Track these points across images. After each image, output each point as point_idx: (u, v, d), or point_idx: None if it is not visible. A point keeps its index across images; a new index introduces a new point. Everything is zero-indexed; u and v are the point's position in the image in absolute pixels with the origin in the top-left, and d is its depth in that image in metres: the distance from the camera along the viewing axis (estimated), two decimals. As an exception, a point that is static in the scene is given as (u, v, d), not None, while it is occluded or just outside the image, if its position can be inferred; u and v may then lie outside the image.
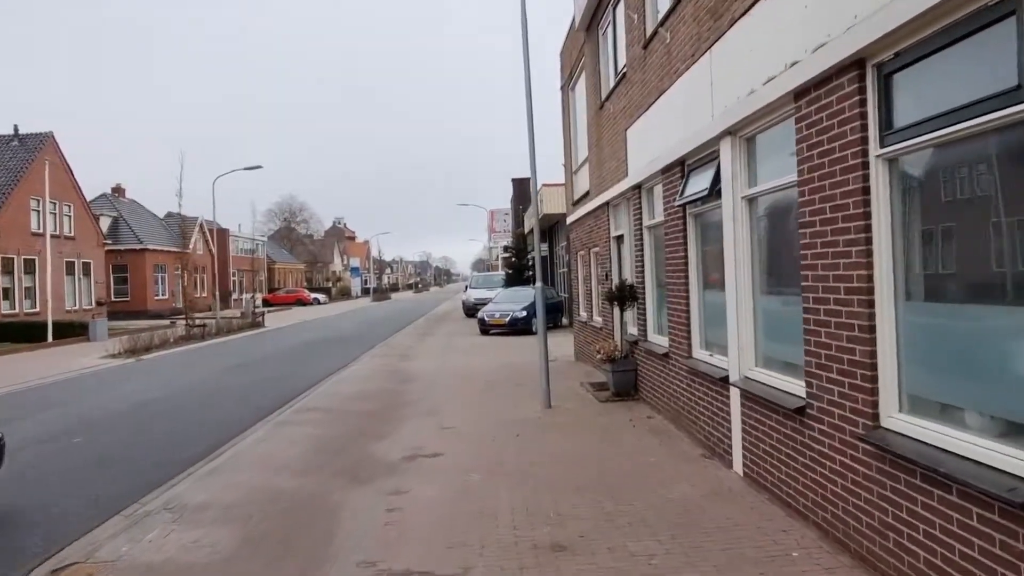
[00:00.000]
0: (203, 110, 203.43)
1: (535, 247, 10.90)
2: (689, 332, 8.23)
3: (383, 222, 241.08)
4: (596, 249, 14.53)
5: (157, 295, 50.33)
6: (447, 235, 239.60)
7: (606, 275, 13.25)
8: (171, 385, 15.74)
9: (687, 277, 8.25)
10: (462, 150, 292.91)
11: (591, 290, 15.40)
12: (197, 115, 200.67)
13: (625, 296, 10.83)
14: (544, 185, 29.90)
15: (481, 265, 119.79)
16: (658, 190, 9.56)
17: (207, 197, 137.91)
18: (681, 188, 8.10)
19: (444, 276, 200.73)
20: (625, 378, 10.96)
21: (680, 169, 8.27)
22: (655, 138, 9.28)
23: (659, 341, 9.77)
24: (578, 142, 16.26)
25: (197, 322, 29.73)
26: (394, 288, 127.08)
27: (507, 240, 53.57)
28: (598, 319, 14.59)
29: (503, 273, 40.17)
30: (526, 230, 40.67)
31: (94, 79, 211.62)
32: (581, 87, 15.10)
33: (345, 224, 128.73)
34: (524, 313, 26.29)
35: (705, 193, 7.10)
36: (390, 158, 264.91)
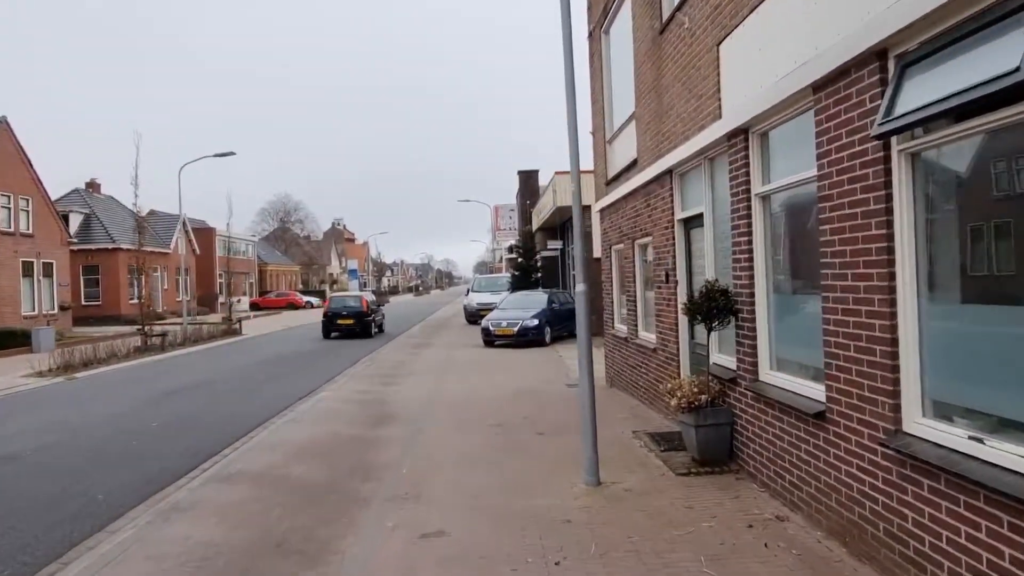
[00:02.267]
0: (202, 115, 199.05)
1: (574, 227, 6.72)
2: (894, 381, 4.26)
3: (384, 224, 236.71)
4: (645, 240, 10.56)
5: (132, 298, 46.24)
6: (449, 238, 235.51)
7: (665, 275, 9.28)
8: (72, 422, 11.74)
9: (891, 274, 4.29)
10: (463, 144, 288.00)
11: (634, 296, 11.42)
12: (195, 122, 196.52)
13: (716, 308, 6.85)
14: (557, 173, 25.99)
15: (483, 268, 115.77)
16: (799, 127, 5.60)
17: (200, 199, 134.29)
18: (885, 104, 4.13)
19: (446, 279, 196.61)
20: (716, 437, 6.98)
21: (877, 69, 4.31)
22: (793, 36, 5.33)
23: (794, 387, 5.77)
24: (615, 99, 12.30)
25: (156, 331, 25.77)
26: (394, 291, 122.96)
27: (513, 239, 49.60)
28: (648, 336, 10.62)
29: (508, 275, 36.17)
30: (534, 228, 36.69)
31: (92, 80, 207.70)
32: (623, 21, 11.13)
33: (344, 225, 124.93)
34: (536, 322, 22.33)
35: (1008, 81, 3.12)
36: (390, 158, 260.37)
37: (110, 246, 45.07)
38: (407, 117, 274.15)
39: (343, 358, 20.08)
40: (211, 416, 11.80)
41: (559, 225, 33.00)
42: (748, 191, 6.45)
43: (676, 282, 8.92)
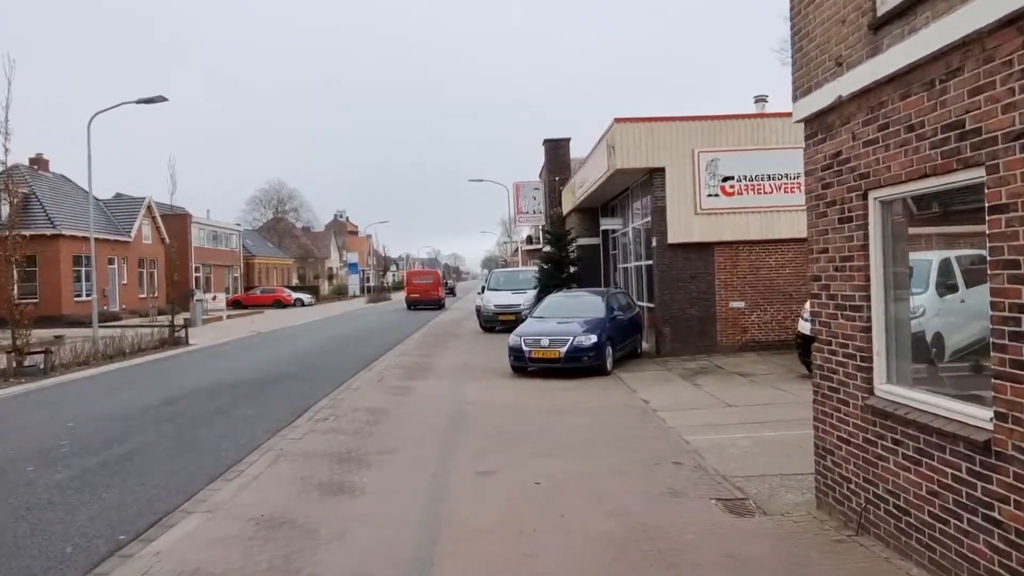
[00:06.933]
0: (196, 104, 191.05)
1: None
2: None
3: (390, 217, 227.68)
4: None
5: (78, 295, 38.66)
6: (457, 232, 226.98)
7: None
8: None
9: None
10: (473, 124, 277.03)
11: (1002, 311, 3.49)
12: (192, 114, 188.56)
13: None
14: (617, 120, 18.02)
15: (492, 263, 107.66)
16: None
17: (205, 196, 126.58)
18: None
19: (454, 274, 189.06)
20: None
21: None
22: None
23: None
24: None
25: (34, 347, 18.05)
26: (399, 286, 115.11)
27: (536, 223, 41.61)
28: None
29: (534, 270, 28.27)
30: (565, 210, 28.79)
31: (90, 77, 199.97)
32: None
33: (347, 218, 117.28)
34: (592, 338, 14.43)
35: None
36: (394, 151, 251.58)
37: (49, 232, 37.30)
38: (414, 104, 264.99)
39: (286, 402, 12.26)
40: None
41: (602, 204, 25.07)
42: None
43: None
